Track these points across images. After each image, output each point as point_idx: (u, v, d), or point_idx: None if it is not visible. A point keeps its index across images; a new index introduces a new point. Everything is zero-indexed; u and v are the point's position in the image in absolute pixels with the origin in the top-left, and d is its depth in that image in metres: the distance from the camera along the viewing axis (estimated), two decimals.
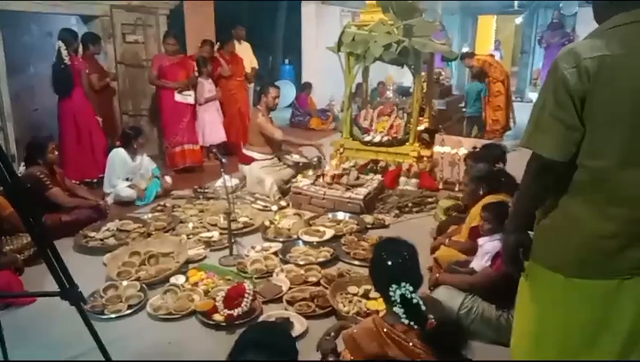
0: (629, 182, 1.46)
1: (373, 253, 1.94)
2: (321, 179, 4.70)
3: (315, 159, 5.36)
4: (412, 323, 1.70)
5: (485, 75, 7.20)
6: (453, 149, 5.21)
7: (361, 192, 4.48)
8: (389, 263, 1.76)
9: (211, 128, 6.33)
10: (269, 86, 5.20)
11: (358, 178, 4.77)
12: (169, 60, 5.91)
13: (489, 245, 2.66)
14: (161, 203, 4.74)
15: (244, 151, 5.18)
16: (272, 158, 5.14)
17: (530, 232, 1.68)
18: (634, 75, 1.39)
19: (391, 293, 1.73)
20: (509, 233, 1.69)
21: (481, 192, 3.09)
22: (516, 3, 11.47)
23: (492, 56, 7.79)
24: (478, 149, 4.13)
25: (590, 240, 1.52)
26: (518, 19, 13.29)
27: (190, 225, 4.16)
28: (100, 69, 5.66)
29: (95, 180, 5.30)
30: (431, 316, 1.72)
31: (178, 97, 5.92)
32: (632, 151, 1.44)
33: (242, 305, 2.73)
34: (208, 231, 4.02)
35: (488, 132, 7.16)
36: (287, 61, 12.10)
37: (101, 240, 3.87)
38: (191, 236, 3.93)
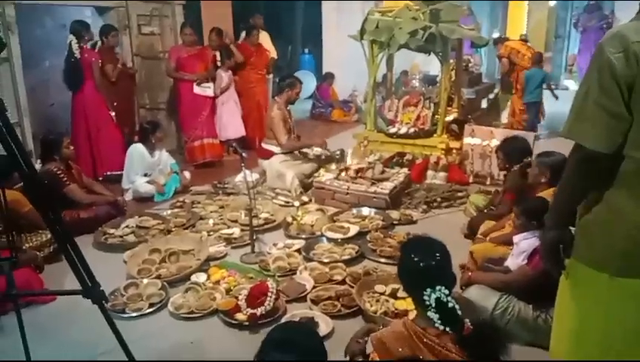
0: None
1: (401, 253, 1.91)
2: (344, 173, 4.69)
3: (338, 152, 5.35)
4: (447, 328, 1.68)
5: (513, 64, 7.10)
6: (484, 141, 5.14)
7: (387, 187, 4.45)
8: (422, 265, 1.73)
9: (229, 122, 6.37)
10: (296, 80, 5.23)
11: (383, 172, 4.74)
12: (187, 52, 5.97)
13: (525, 243, 2.61)
14: (181, 199, 4.79)
15: (264, 145, 5.21)
16: (293, 151, 5.14)
17: (571, 228, 1.64)
18: None
19: (425, 298, 1.70)
20: (548, 229, 1.66)
21: (542, 180, 2.98)
22: None
23: (523, 41, 7.61)
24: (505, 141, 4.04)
25: (637, 235, 1.48)
26: (552, 2, 12.98)
27: (210, 221, 4.19)
28: (114, 60, 5.71)
29: (102, 176, 5.37)
30: (467, 320, 1.70)
31: (197, 90, 5.97)
32: None
33: (265, 304, 2.74)
34: (229, 227, 4.05)
35: (518, 122, 7.04)
36: (306, 51, 12.09)
37: (120, 237, 3.94)
38: (211, 233, 3.97)
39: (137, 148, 4.95)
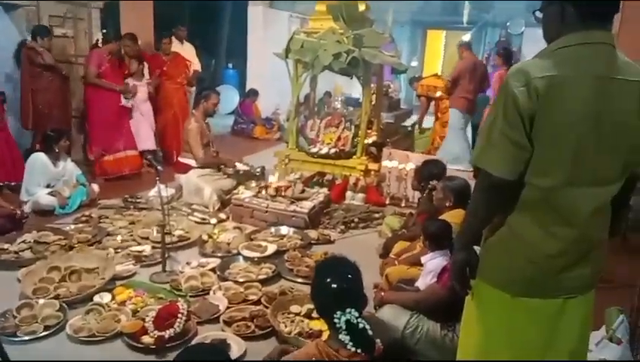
0: (575, 201, 1.54)
1: (314, 275, 1.93)
2: (264, 191, 4.67)
3: (259, 169, 5.33)
4: (359, 350, 1.70)
5: (430, 100, 7.52)
6: (400, 164, 5.34)
7: (306, 206, 4.49)
8: (333, 288, 1.76)
9: (140, 134, 6.13)
10: (211, 92, 5.17)
11: (303, 191, 4.78)
12: (108, 60, 5.73)
13: (431, 263, 2.73)
14: (87, 213, 4.53)
15: (181, 158, 5.09)
16: (211, 166, 5.06)
17: (477, 247, 1.74)
18: (581, 96, 1.47)
19: (336, 320, 1.72)
20: (457, 250, 1.75)
21: (447, 204, 3.13)
22: (465, 19, 12.02)
23: (437, 76, 8.08)
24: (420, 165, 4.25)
25: (536, 258, 1.59)
26: (467, 36, 13.92)
27: (119, 237, 4.01)
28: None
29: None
30: (378, 340, 1.73)
31: (124, 101, 5.82)
32: (577, 170, 1.52)
33: (175, 326, 2.64)
34: (139, 244, 3.90)
35: (436, 148, 7.42)
36: (230, 65, 12.00)
37: (15, 253, 3.65)
38: (119, 250, 3.79)
39: (39, 158, 4.62)
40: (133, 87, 5.99)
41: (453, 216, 2.93)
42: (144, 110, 6.23)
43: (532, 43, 7.98)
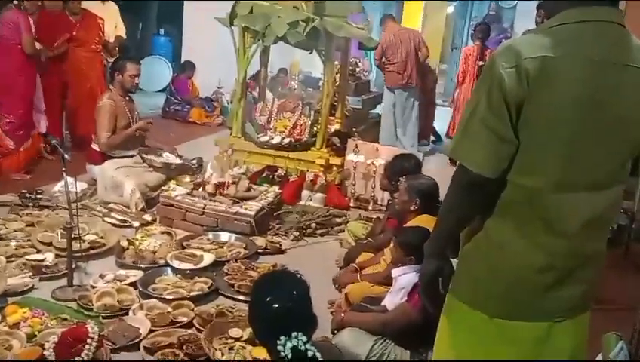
0: (566, 206, 1.56)
1: (253, 293, 1.92)
2: (200, 189, 4.63)
3: (194, 161, 5.28)
4: None
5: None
6: (368, 158, 5.40)
7: (253, 207, 4.48)
8: (275, 309, 1.76)
9: None
10: (127, 61, 5.07)
11: (249, 189, 4.76)
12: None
13: (404, 279, 2.77)
14: None
15: (93, 145, 4.99)
16: (134, 156, 4.99)
17: (454, 260, 1.77)
18: (580, 82, 1.49)
19: (279, 347, 1.72)
20: (427, 257, 1.77)
21: (412, 208, 3.19)
22: None
23: None
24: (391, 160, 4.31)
25: (519, 273, 1.61)
26: (450, 8, 14.21)
27: (13, 243, 3.91)
28: None
29: None
30: None
31: None
32: (570, 170, 1.54)
33: (82, 355, 2.58)
34: (38, 251, 3.80)
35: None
36: (162, 32, 11.83)
37: None
38: (13, 258, 3.69)
39: None
40: None
41: (421, 223, 2.98)
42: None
43: (526, 18, 8.20)
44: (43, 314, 3.05)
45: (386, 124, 7.48)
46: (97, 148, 4.93)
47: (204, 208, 4.45)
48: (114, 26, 6.98)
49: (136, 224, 4.45)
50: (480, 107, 1.55)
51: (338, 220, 4.84)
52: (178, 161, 5.19)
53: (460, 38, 13.74)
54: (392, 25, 7.56)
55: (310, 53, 5.97)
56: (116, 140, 4.90)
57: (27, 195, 4.76)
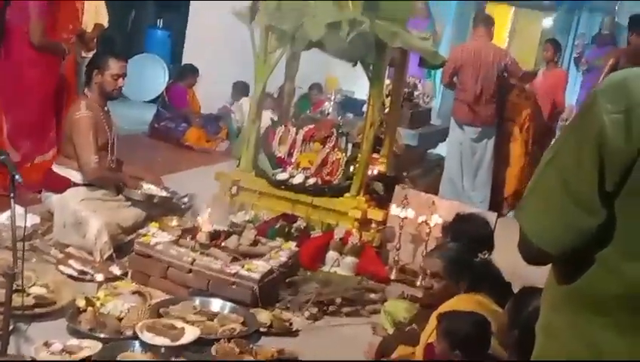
0: None
1: None
2: (190, 237, 4.65)
3: (185, 199, 5.32)
4: None
5: None
6: (420, 215, 5.36)
7: (259, 269, 4.46)
8: None
9: None
10: (110, 56, 5.13)
11: (256, 243, 4.77)
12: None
13: None
14: None
15: (56, 168, 5.06)
16: (105, 185, 5.03)
17: None
18: None
19: None
20: None
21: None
22: None
23: None
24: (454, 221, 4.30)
25: None
26: (547, 21, 14.23)
27: None
28: None
29: None
30: None
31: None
32: None
33: None
34: None
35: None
36: (159, 23, 12.08)
37: None
38: None
39: None
40: None
41: (462, 305, 3.02)
42: None
43: None
44: None
45: (450, 169, 7.47)
46: (61, 172, 4.97)
47: (192, 264, 4.43)
48: (93, 11, 7.11)
49: (99, 278, 4.40)
50: (562, 159, 1.56)
51: (373, 296, 4.78)
52: (163, 193, 5.21)
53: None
54: (481, 35, 7.55)
55: (354, 66, 6.03)
56: (106, 176, 5.02)
57: None
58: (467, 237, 3.77)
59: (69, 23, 6.69)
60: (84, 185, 4.94)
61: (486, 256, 3.80)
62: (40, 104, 6.07)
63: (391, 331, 4.11)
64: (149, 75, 10.71)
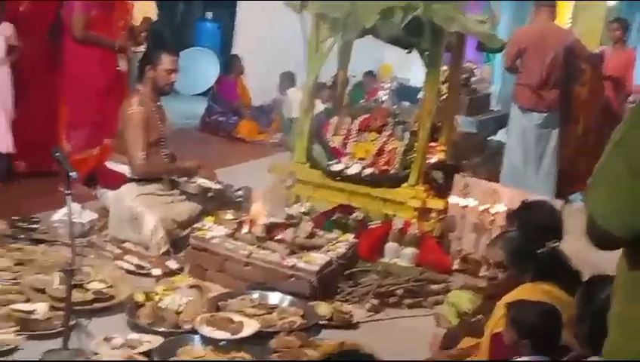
0: None
1: None
2: (245, 229, 4.69)
3: (240, 192, 5.35)
4: None
5: None
6: (482, 203, 5.33)
7: (316, 261, 4.48)
8: None
9: None
10: (163, 51, 5.19)
11: (312, 235, 4.79)
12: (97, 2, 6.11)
13: None
14: None
15: (110, 164, 5.14)
16: (160, 181, 5.11)
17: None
18: None
19: None
20: None
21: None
22: None
23: None
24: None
25: None
26: (611, 1, 13.91)
27: None
28: None
29: None
30: None
31: (122, 64, 6.25)
32: None
33: None
34: (28, 300, 3.90)
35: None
36: (209, 15, 12.15)
37: None
38: None
39: None
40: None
41: (527, 294, 2.99)
42: None
43: None
44: None
45: (512, 156, 7.38)
46: (116, 168, 5.06)
47: (249, 257, 4.49)
48: (142, 5, 7.15)
49: (156, 272, 4.52)
50: (629, 140, 1.60)
51: (435, 287, 4.77)
52: (218, 186, 5.25)
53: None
54: (544, 16, 7.36)
55: (408, 52, 5.99)
56: (154, 168, 5.06)
57: (19, 223, 4.95)
58: (534, 226, 3.72)
59: (121, 19, 6.80)
60: (139, 180, 5.00)
61: (556, 244, 3.75)
62: (90, 99, 6.23)
63: (455, 322, 4.10)
64: (199, 69, 10.78)
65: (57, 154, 4.29)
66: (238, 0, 10.41)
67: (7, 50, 6.10)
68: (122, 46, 6.30)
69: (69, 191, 3.71)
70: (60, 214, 4.94)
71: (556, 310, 2.89)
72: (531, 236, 3.66)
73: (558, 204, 4.94)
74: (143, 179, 5.02)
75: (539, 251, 3.53)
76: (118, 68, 6.29)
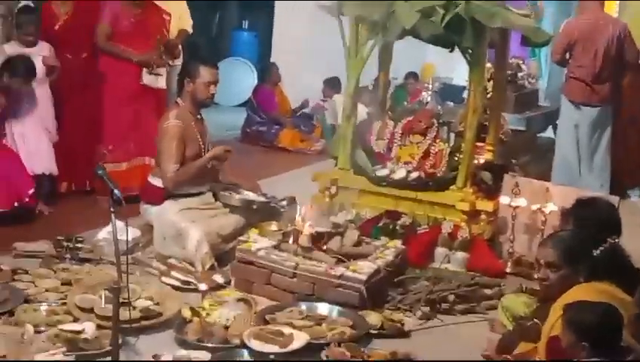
0: None
1: None
2: (291, 241, 4.71)
3: (284, 203, 5.38)
4: None
5: None
6: (534, 203, 5.28)
7: (364, 269, 4.48)
8: None
9: (34, 148, 6.14)
10: (201, 63, 5.21)
11: (359, 243, 4.79)
12: (132, 14, 6.25)
13: None
14: None
15: (151, 179, 5.19)
16: (204, 194, 5.15)
17: None
18: None
19: None
20: None
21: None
22: None
23: None
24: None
25: None
26: None
27: (43, 307, 4.11)
28: None
29: None
30: None
31: (147, 79, 6.33)
32: None
33: None
34: (76, 320, 3.95)
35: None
36: (245, 25, 12.22)
37: None
38: (43, 328, 3.85)
39: None
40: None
41: (582, 295, 2.96)
42: (33, 101, 6.21)
43: None
44: None
45: (564, 152, 7.31)
46: (158, 184, 5.09)
47: (295, 268, 4.50)
48: (177, 18, 7.21)
49: (203, 287, 4.53)
50: None
51: (488, 292, 4.75)
52: (261, 198, 5.29)
53: None
54: (593, 7, 7.31)
55: (451, 51, 5.96)
56: (184, 175, 4.99)
57: (64, 243, 5.02)
58: (592, 223, 3.69)
59: (157, 32, 6.87)
60: (181, 195, 5.03)
61: (615, 241, 3.71)
62: (112, 111, 6.40)
63: (510, 327, 4.07)
64: (237, 79, 10.88)
65: (100, 171, 4.36)
66: (275, 5, 10.45)
67: (47, 71, 6.19)
68: (144, 60, 6.34)
69: (112, 209, 3.77)
70: (104, 232, 5.02)
71: (616, 310, 2.86)
72: (589, 234, 3.63)
73: (614, 200, 4.88)
74: (188, 194, 5.06)
75: (598, 249, 3.50)
76: (141, 83, 6.36)
